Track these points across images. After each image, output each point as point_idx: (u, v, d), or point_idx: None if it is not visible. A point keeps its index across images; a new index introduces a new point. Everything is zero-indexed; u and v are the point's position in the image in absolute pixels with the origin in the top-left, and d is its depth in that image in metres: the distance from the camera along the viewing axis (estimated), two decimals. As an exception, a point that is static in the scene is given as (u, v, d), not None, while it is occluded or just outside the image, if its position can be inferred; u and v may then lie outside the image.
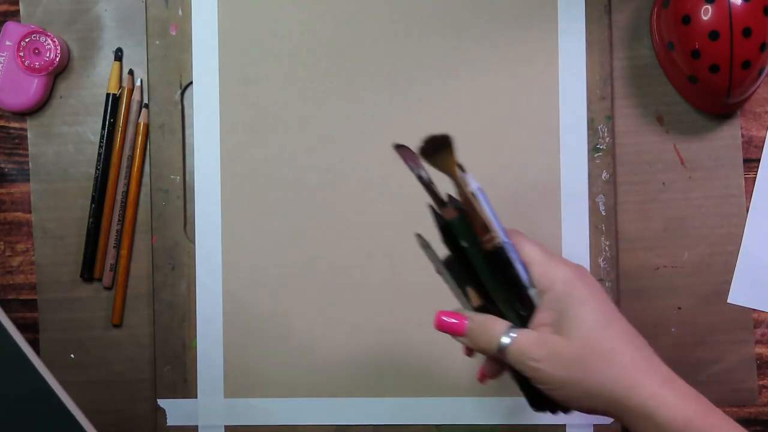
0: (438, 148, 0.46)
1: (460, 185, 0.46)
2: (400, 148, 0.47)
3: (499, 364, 0.49)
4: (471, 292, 0.48)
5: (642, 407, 0.44)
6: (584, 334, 0.45)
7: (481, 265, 0.47)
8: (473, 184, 0.46)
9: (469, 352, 0.50)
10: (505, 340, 0.46)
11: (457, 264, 0.48)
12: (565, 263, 0.47)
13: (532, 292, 0.47)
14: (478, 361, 0.56)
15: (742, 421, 0.63)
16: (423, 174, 0.47)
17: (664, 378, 0.45)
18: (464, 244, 0.47)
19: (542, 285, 0.46)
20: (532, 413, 0.60)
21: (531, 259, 0.47)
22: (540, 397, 0.48)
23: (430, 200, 0.47)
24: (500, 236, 0.46)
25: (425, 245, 0.48)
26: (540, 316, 0.46)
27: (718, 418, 0.44)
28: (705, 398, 0.45)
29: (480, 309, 0.48)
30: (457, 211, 0.46)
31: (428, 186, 0.47)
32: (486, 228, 0.46)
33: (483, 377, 0.50)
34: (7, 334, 0.52)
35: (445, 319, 0.48)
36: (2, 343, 0.51)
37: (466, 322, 0.47)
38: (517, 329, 0.46)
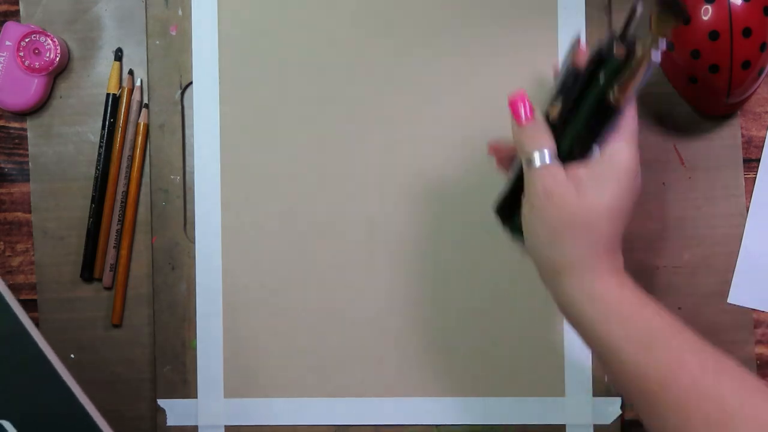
0: (676, 10, 0.46)
1: (649, 46, 0.46)
2: None
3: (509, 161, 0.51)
4: (555, 107, 0.49)
5: (590, 278, 0.47)
6: (593, 203, 0.46)
7: (592, 102, 0.48)
8: (657, 57, 0.46)
9: (499, 163, 0.52)
10: (538, 157, 0.47)
11: (573, 77, 0.49)
12: (637, 162, 0.48)
13: (596, 152, 0.48)
14: (478, 361, 0.56)
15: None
16: (638, 7, 0.47)
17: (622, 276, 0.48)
18: (601, 81, 0.47)
19: (608, 153, 0.47)
20: (532, 413, 0.60)
21: (624, 133, 0.48)
22: (510, 209, 0.50)
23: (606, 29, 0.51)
24: (627, 102, 0.47)
25: (576, 44, 0.49)
26: (580, 171, 0.47)
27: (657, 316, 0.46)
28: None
29: (548, 121, 0.49)
30: (625, 55, 0.47)
31: (632, 14, 0.47)
32: (625, 87, 0.47)
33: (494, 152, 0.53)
34: (22, 326, 0.51)
35: (521, 102, 0.48)
36: (18, 336, 0.50)
37: (532, 119, 0.48)
38: (556, 159, 0.47)
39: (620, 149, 0.48)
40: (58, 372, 0.50)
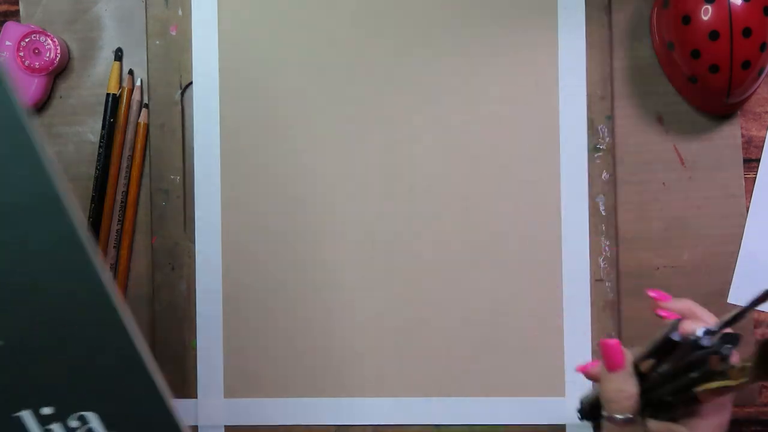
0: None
1: (745, 381, 0.45)
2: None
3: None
4: (647, 363, 0.49)
5: None
6: None
7: (680, 387, 0.47)
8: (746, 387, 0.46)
9: (590, 377, 0.51)
10: (621, 416, 0.47)
11: (671, 346, 0.48)
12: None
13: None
14: (477, 361, 0.56)
15: (742, 421, 0.63)
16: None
17: None
18: (692, 375, 0.47)
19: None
20: (532, 413, 0.60)
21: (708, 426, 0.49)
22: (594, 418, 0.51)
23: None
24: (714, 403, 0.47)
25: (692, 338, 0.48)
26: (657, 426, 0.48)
27: None
28: None
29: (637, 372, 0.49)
30: (720, 370, 0.46)
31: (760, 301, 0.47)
32: (712, 393, 0.46)
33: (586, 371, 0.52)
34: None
35: (615, 349, 0.49)
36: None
37: (622, 367, 0.48)
38: (636, 418, 0.47)
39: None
40: (146, 366, 0.48)
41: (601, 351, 0.49)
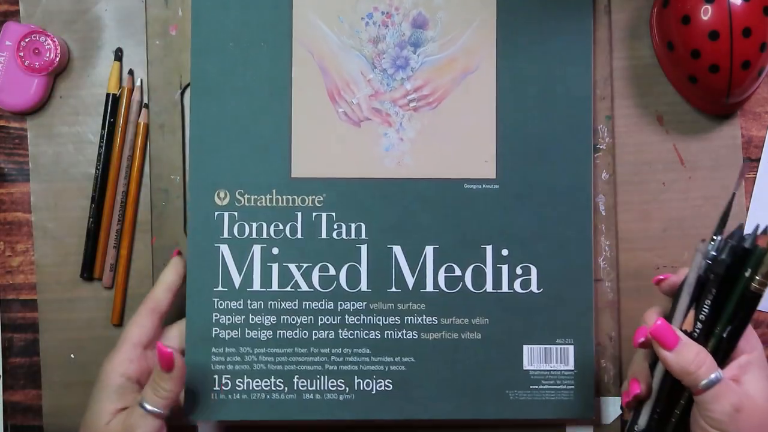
0: None
1: None
2: (744, 162, 0.53)
3: (647, 386, 0.53)
4: (691, 316, 0.51)
5: None
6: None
7: (734, 300, 0.50)
8: None
9: (644, 345, 0.52)
10: (715, 377, 0.48)
11: (700, 285, 0.51)
12: (758, 339, 0.52)
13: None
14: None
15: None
16: (735, 192, 0.52)
17: None
18: (747, 273, 0.49)
19: (743, 344, 0.51)
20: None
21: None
22: (659, 430, 0.53)
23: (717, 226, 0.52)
24: None
25: (706, 255, 0.51)
26: (730, 371, 0.50)
27: None
28: None
29: (685, 334, 0.51)
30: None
31: (729, 206, 0.51)
32: None
33: (630, 402, 0.53)
34: None
35: (661, 326, 0.50)
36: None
37: (680, 341, 0.50)
38: (721, 373, 0.49)
39: (752, 338, 0.51)
40: (590, 248, 0.60)
41: (653, 337, 0.50)
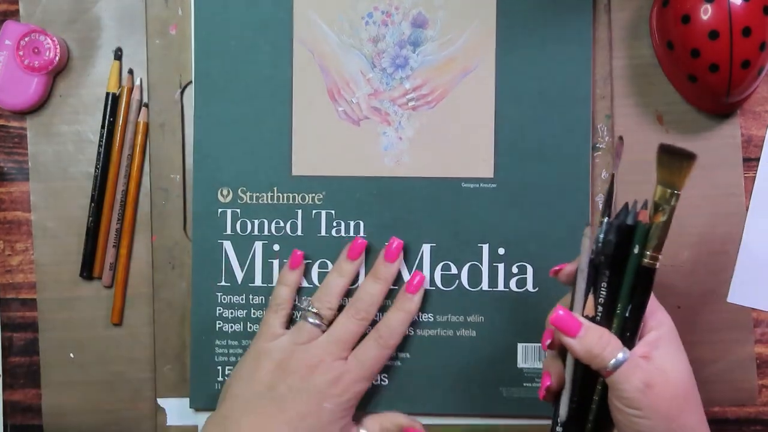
0: (680, 158, 0.50)
1: (666, 201, 0.50)
2: (620, 139, 0.52)
3: (559, 366, 0.52)
4: (591, 301, 0.51)
5: None
6: (684, 378, 0.49)
7: (629, 278, 0.50)
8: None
9: (552, 345, 0.52)
10: (622, 356, 0.48)
11: (593, 269, 0.51)
12: (667, 314, 0.52)
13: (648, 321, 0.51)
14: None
15: (742, 421, 0.63)
16: (614, 173, 0.52)
17: None
18: (636, 250, 0.50)
19: (651, 321, 0.51)
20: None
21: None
22: (580, 419, 0.52)
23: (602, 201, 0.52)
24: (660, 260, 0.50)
25: (595, 239, 0.51)
26: (640, 348, 0.50)
27: None
28: None
29: (588, 319, 0.50)
30: (651, 219, 0.50)
31: (611, 187, 0.52)
32: (658, 247, 0.50)
33: (546, 396, 0.53)
34: None
35: (563, 315, 0.50)
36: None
37: (582, 327, 0.49)
38: (628, 352, 0.49)
39: (657, 312, 0.51)
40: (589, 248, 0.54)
41: (555, 326, 0.50)
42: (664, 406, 0.48)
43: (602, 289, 0.51)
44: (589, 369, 0.50)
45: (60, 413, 0.63)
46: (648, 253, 0.50)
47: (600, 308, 0.51)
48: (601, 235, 0.50)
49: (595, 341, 0.49)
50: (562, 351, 0.52)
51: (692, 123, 0.63)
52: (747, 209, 0.63)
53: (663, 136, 0.63)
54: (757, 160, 0.63)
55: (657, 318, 0.51)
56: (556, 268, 0.53)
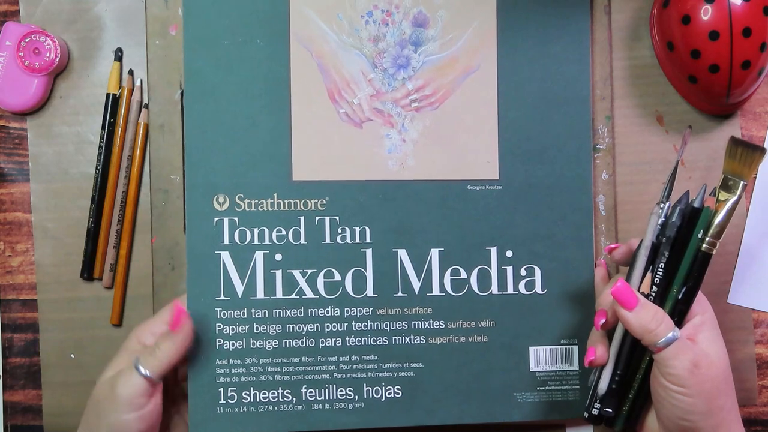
0: (752, 151, 0.53)
1: (731, 190, 0.53)
2: (690, 127, 0.57)
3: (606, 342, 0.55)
4: (648, 279, 0.53)
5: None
6: (723, 362, 0.52)
7: (687, 261, 0.53)
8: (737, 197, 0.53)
9: (605, 325, 0.54)
10: (672, 335, 0.51)
11: (653, 249, 0.54)
12: (708, 302, 0.55)
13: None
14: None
15: (742, 421, 0.63)
16: (679, 159, 0.55)
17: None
18: (699, 234, 0.53)
19: (696, 307, 0.54)
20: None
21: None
22: (618, 401, 0.54)
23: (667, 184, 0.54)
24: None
25: (661, 217, 0.54)
26: (686, 330, 0.53)
27: None
28: None
29: (644, 295, 0.53)
30: (716, 205, 0.53)
31: (674, 174, 0.55)
32: (718, 234, 0.52)
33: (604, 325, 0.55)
34: None
35: (621, 287, 0.52)
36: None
37: (639, 302, 0.52)
38: (678, 331, 0.51)
39: (703, 300, 0.54)
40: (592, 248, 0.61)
41: (614, 298, 0.52)
42: (707, 386, 0.50)
43: (659, 269, 0.53)
44: (634, 347, 0.53)
45: (60, 414, 0.63)
46: (708, 239, 0.52)
47: (654, 288, 0.53)
48: (663, 218, 0.53)
49: (650, 317, 0.51)
50: (608, 329, 0.55)
51: (692, 124, 0.63)
52: (747, 210, 0.63)
53: (663, 137, 0.63)
54: (757, 160, 0.63)
55: (702, 304, 0.54)
56: (612, 246, 0.57)
